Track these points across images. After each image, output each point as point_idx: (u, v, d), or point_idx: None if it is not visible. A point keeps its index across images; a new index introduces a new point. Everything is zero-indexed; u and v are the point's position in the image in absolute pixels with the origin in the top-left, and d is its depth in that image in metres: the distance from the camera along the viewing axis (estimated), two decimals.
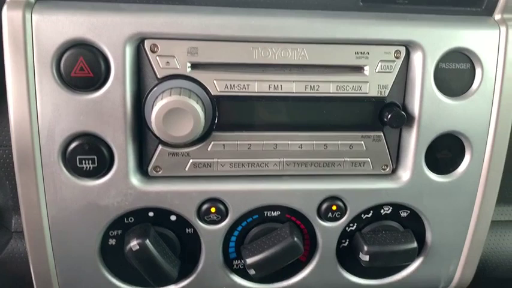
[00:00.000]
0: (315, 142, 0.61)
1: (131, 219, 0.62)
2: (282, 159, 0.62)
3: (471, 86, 0.61)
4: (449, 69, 0.60)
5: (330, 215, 0.64)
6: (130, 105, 0.56)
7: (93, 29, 0.53)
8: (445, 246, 0.69)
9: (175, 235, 0.64)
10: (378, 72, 0.59)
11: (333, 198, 0.63)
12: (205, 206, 0.61)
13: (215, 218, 0.62)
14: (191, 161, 0.60)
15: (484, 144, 0.63)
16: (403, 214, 0.67)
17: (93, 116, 0.55)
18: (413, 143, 0.62)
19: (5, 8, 0.52)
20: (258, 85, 0.58)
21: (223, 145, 0.60)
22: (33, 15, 0.52)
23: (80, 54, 0.53)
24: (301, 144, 0.61)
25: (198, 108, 0.54)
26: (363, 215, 0.66)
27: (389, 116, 0.60)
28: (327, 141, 0.62)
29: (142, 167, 0.60)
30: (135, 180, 0.59)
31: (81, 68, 0.54)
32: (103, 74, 0.54)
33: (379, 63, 0.59)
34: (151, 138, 0.59)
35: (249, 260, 0.62)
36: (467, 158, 0.64)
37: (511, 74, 0.61)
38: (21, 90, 0.54)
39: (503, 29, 0.60)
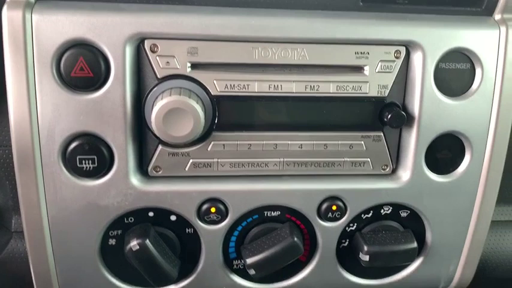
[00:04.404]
0: (315, 142, 0.61)
1: (131, 219, 0.62)
2: (282, 159, 0.62)
3: (471, 86, 0.61)
4: (449, 69, 0.60)
5: (330, 215, 0.64)
6: (130, 105, 0.56)
7: (93, 29, 0.53)
8: (445, 246, 0.69)
9: (175, 235, 0.64)
10: (378, 72, 0.59)
11: (333, 198, 0.63)
12: (205, 206, 0.61)
13: (215, 218, 0.62)
14: (191, 161, 0.60)
15: (484, 144, 0.63)
16: (403, 214, 0.67)
17: (93, 116, 0.55)
18: (413, 143, 0.62)
19: (5, 8, 0.52)
20: (258, 85, 0.58)
21: (223, 145, 0.60)
22: (33, 15, 0.52)
23: (80, 54, 0.53)
24: (301, 144, 0.61)
25: (198, 108, 0.54)
26: (363, 215, 0.66)
27: (389, 116, 0.60)
28: (327, 141, 0.62)
29: (142, 167, 0.60)
30: (135, 180, 0.59)
31: (81, 68, 0.54)
32: (103, 74, 0.54)
33: (379, 63, 0.59)
34: (151, 138, 0.59)
35: (249, 260, 0.62)
36: (467, 158, 0.64)
37: (511, 74, 0.61)
38: (21, 90, 0.54)
39: (503, 29, 0.60)
